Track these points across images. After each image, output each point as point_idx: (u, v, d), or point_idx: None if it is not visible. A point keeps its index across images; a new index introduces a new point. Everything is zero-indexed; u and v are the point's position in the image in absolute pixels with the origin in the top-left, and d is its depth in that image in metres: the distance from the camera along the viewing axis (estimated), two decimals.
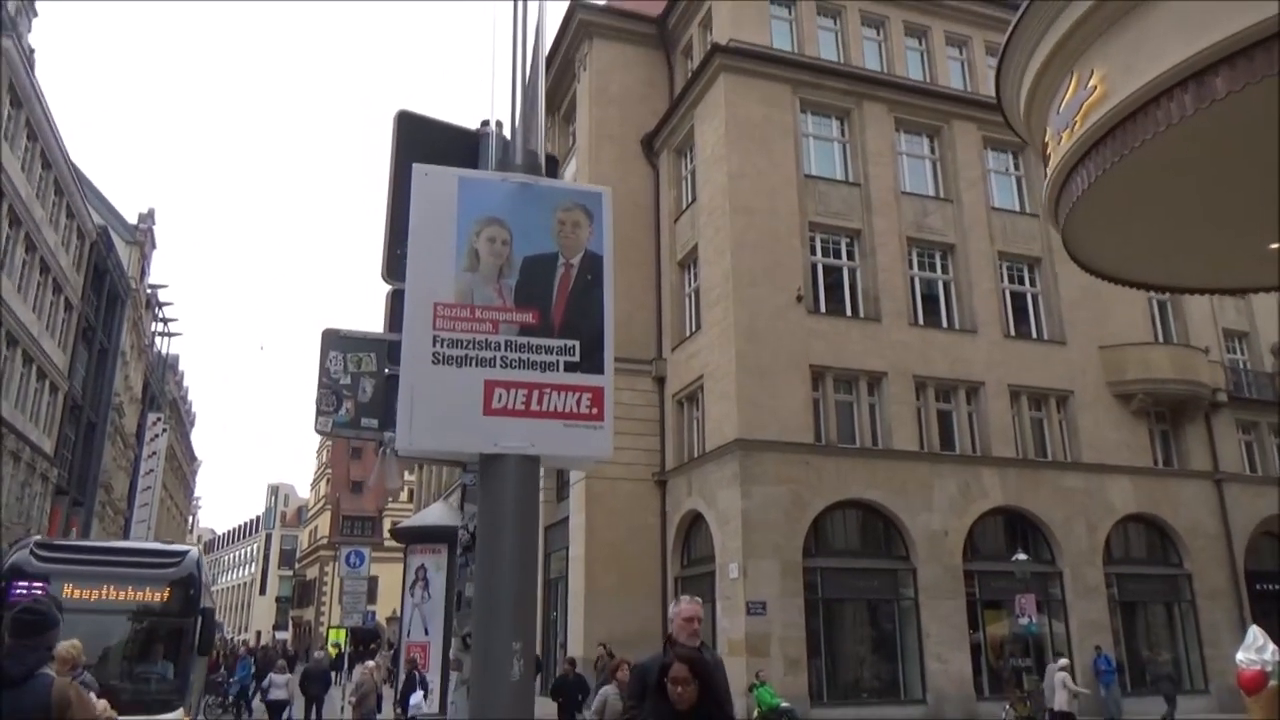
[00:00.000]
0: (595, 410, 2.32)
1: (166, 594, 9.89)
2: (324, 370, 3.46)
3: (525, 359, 2.29)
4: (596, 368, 2.34)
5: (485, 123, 3.55)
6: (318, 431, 3.66)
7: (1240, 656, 13.71)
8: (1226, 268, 5.09)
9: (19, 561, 9.62)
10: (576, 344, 2.34)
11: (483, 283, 2.31)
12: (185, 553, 10.69)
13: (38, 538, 10.81)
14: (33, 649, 3.72)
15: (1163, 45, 3.94)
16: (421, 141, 3.24)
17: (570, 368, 2.32)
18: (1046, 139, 4.93)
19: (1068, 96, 4.54)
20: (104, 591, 9.62)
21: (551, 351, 2.32)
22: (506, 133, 2.67)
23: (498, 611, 2.14)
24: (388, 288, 3.71)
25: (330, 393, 3.46)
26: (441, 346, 2.24)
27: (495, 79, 2.54)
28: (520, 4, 2.56)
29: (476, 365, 2.25)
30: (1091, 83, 4.33)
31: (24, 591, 9.15)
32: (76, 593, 9.48)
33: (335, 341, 3.52)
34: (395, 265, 3.23)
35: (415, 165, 2.36)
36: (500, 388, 2.26)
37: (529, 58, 2.51)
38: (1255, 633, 12.69)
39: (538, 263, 2.36)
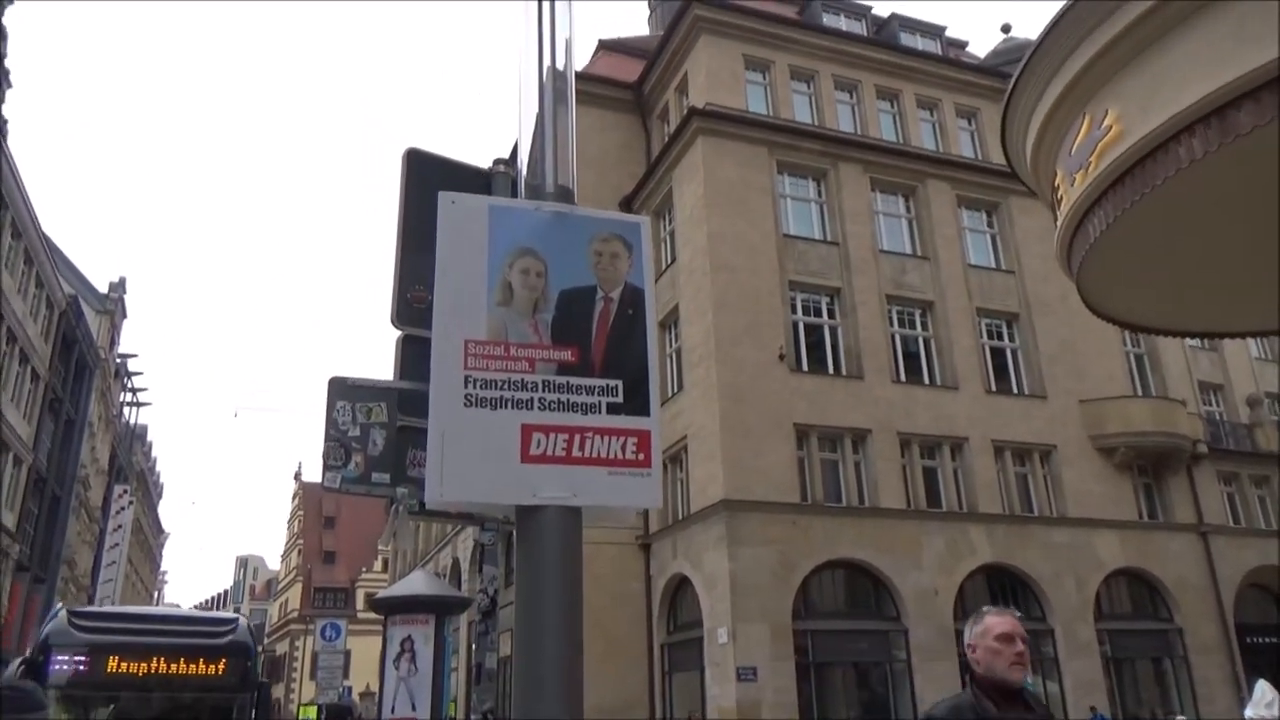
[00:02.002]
0: (642, 456, 2.11)
1: (221, 666, 8.77)
2: (331, 422, 3.20)
3: (565, 400, 2.09)
4: (641, 409, 2.15)
5: (498, 161, 3.40)
6: (325, 488, 3.40)
7: (1249, 713, 13.49)
8: (1250, 311, 5.01)
9: (56, 631, 8.49)
10: (619, 384, 2.14)
11: (517, 318, 2.11)
12: (235, 620, 9.60)
13: (59, 605, 9.77)
14: None
15: (1183, 81, 3.89)
16: (431, 180, 3.07)
17: (613, 409, 2.12)
18: (1057, 182, 4.86)
19: (1080, 137, 4.47)
20: (152, 664, 8.49)
21: (593, 392, 2.12)
22: (522, 164, 2.50)
23: (541, 684, 1.90)
24: (385, 337, 3.48)
25: (338, 446, 3.19)
26: (474, 388, 2.04)
27: (522, 93, 2.37)
28: (549, 29, 2.41)
29: (512, 407, 2.05)
30: (1106, 122, 4.26)
31: (64, 665, 8.18)
32: (122, 666, 8.40)
33: (343, 390, 3.27)
34: (405, 309, 3.03)
35: (441, 193, 2.17)
36: (538, 432, 2.05)
37: (558, 74, 2.35)
38: (1263, 688, 12.50)
39: (575, 296, 2.17)
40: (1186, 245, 4.77)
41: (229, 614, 10.52)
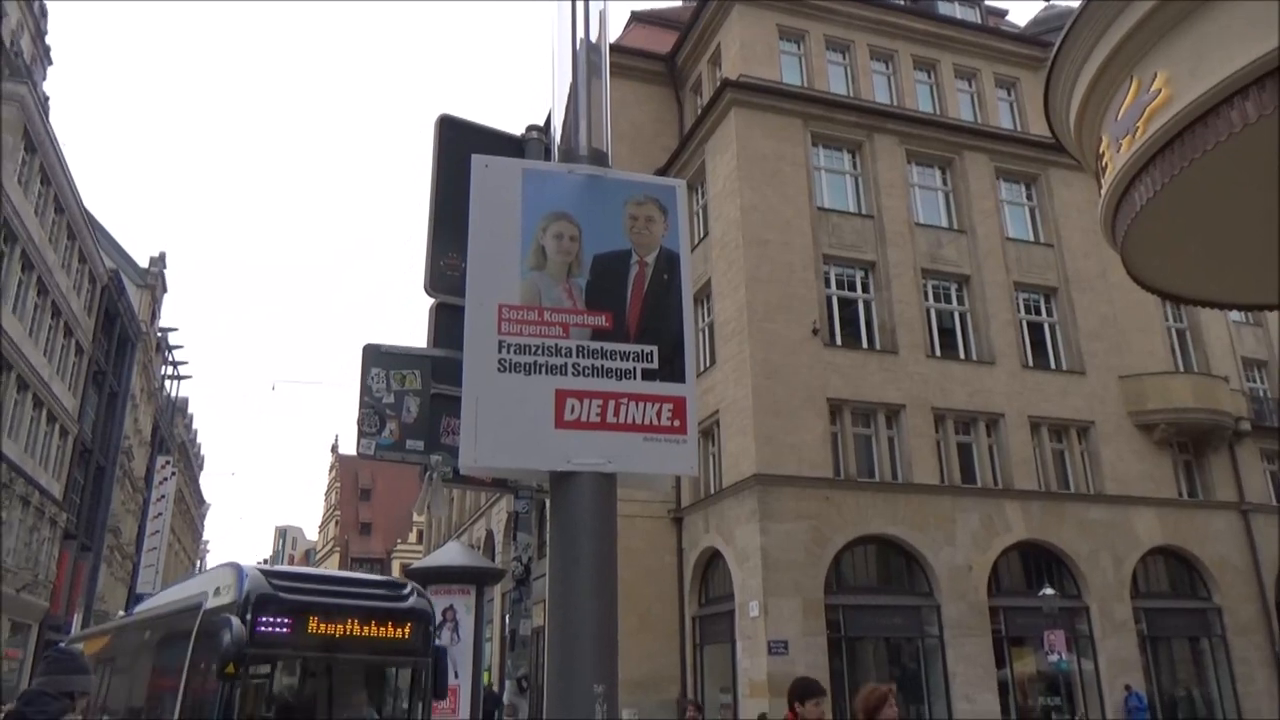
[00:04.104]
0: (677, 422, 2.09)
1: (407, 629, 8.61)
2: (365, 389, 3.21)
3: (599, 366, 2.07)
4: (677, 375, 2.12)
5: (531, 128, 3.37)
6: (360, 455, 3.42)
7: None
8: None
9: (258, 589, 8.16)
10: (654, 349, 2.12)
11: (551, 282, 2.09)
12: (408, 584, 9.42)
13: (238, 562, 9.38)
14: (54, 697, 3.52)
15: (1235, 43, 3.75)
16: (464, 146, 3.05)
17: (648, 375, 2.10)
18: (1102, 149, 4.73)
19: (1128, 101, 4.34)
20: (348, 626, 8.31)
21: (628, 358, 2.09)
22: (556, 131, 2.47)
23: (576, 650, 1.90)
24: (423, 305, 3.48)
25: (372, 413, 3.20)
26: (508, 353, 2.02)
27: (556, 65, 2.34)
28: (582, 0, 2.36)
29: (546, 373, 2.03)
30: (1155, 85, 4.13)
31: (268, 625, 7.93)
32: (322, 628, 8.21)
33: (377, 358, 3.28)
34: (439, 277, 3.02)
35: (475, 157, 2.15)
36: (573, 398, 2.03)
37: (591, 45, 2.31)
38: None
39: (609, 261, 2.14)
40: (1235, 214, 4.62)
41: (399, 579, 10.07)
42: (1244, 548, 22.96)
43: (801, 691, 4.91)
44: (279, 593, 8.22)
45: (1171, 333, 25.03)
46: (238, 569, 8.69)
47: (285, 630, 8.07)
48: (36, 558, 29.29)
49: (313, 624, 8.19)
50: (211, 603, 8.59)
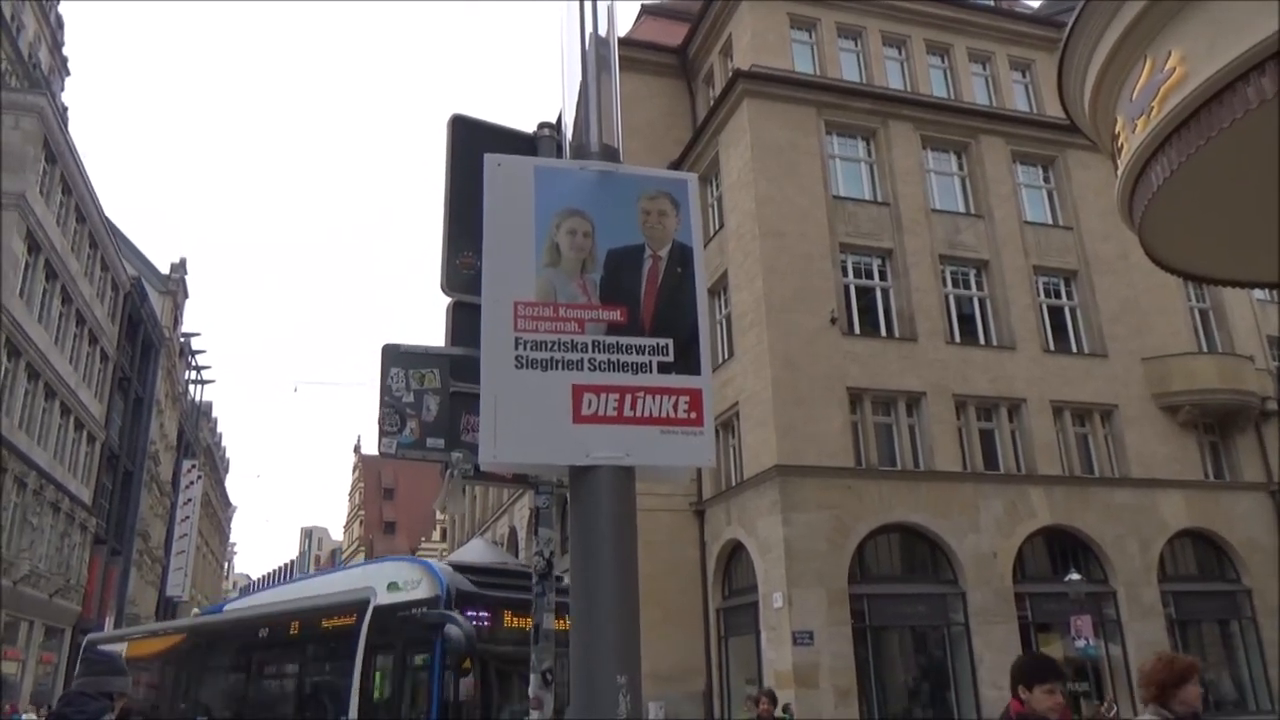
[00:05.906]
0: (694, 414, 2.10)
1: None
2: (385, 388, 3.26)
3: (615, 360, 2.09)
4: (693, 368, 2.13)
5: (542, 125, 3.40)
6: (382, 453, 3.46)
7: None
8: None
9: (458, 584, 8.07)
10: (670, 342, 2.13)
11: (565, 279, 2.11)
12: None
13: (415, 557, 9.08)
14: (93, 698, 3.60)
15: (1250, 18, 3.71)
16: (477, 146, 3.07)
17: (664, 369, 2.11)
18: (1117, 130, 4.70)
19: (1142, 81, 4.31)
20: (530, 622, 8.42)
21: (643, 351, 2.11)
22: (568, 128, 2.48)
23: (598, 642, 1.92)
24: (440, 303, 3.51)
25: (393, 412, 3.25)
26: (524, 349, 2.05)
27: (566, 61, 2.35)
28: None
29: (563, 368, 2.05)
30: (1169, 64, 4.10)
31: (474, 622, 7.80)
32: (515, 622, 8.11)
33: (396, 358, 3.32)
34: (455, 276, 3.04)
35: (487, 156, 2.17)
36: (589, 392, 2.05)
37: (601, 40, 2.33)
38: None
39: (623, 256, 2.16)
40: (1254, 192, 4.58)
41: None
42: (1272, 529, 22.71)
43: (1031, 673, 3.75)
44: (479, 589, 8.14)
45: (1194, 313, 24.75)
46: (426, 565, 8.52)
47: (485, 625, 7.98)
48: (68, 563, 29.72)
49: (507, 618, 8.15)
50: (385, 599, 8.39)
